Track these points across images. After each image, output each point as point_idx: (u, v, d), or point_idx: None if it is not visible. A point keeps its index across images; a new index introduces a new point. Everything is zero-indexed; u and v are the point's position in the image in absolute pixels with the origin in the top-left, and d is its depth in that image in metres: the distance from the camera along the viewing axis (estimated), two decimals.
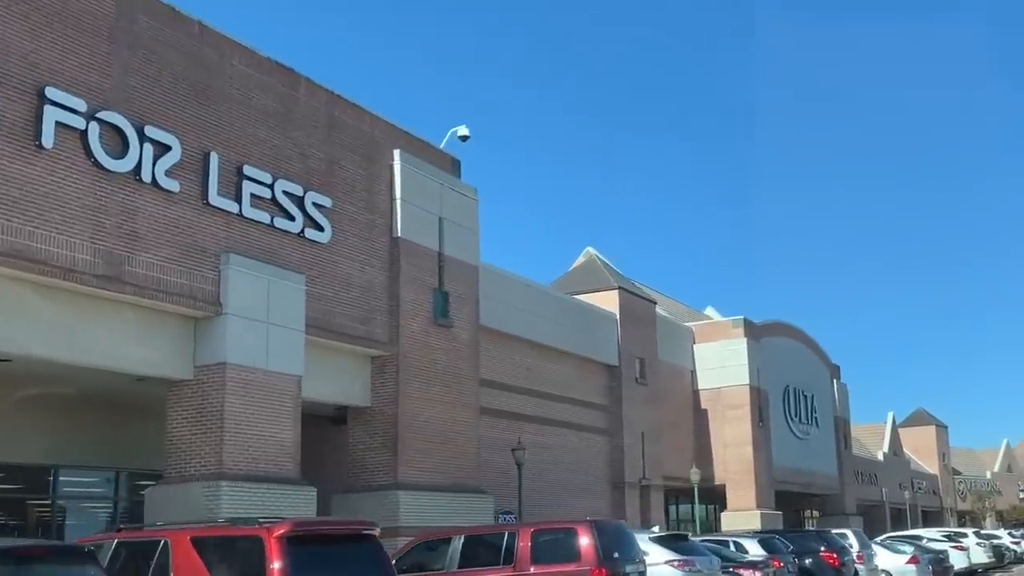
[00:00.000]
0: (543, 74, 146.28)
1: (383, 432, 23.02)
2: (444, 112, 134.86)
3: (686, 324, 47.96)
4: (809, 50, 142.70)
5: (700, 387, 46.55)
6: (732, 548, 21.71)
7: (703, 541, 21.73)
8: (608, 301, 39.68)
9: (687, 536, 19.03)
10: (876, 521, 73.29)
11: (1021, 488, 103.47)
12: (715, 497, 46.91)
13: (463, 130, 25.93)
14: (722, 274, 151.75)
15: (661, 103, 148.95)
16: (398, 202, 23.60)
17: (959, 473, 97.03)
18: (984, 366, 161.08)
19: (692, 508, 46.78)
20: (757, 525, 43.82)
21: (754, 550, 21.50)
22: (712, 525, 46.98)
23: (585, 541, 14.31)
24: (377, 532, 10.40)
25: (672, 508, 48.80)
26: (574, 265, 43.14)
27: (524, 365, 34.02)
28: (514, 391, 33.17)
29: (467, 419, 25.13)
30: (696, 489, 39.69)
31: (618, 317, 39.43)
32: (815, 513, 59.74)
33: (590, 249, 43.72)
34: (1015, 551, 49.69)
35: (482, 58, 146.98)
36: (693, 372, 46.74)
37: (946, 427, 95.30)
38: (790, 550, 23.69)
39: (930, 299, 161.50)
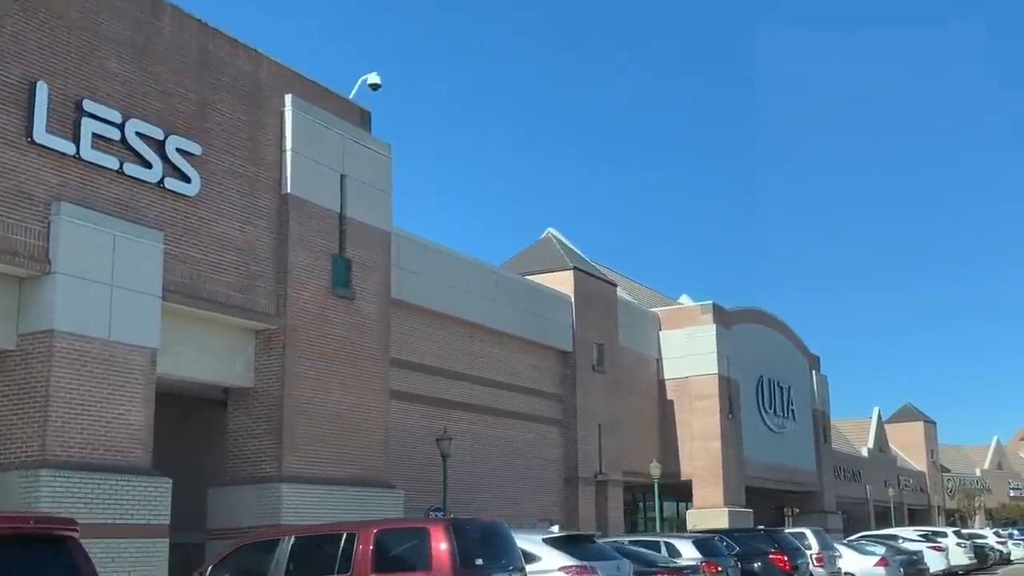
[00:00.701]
0: (530, 59, 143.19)
1: (267, 416, 20.08)
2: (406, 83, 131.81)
3: (652, 310, 45.09)
4: (807, 48, 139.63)
5: (666, 376, 43.67)
6: (664, 551, 18.83)
7: (631, 543, 18.88)
8: (562, 282, 36.82)
9: (592, 537, 16.11)
10: (860, 519, 70.56)
11: (1012, 486, 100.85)
12: (683, 493, 44.03)
13: (374, 77, 22.95)
14: (702, 266, 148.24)
15: (651, 88, 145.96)
16: (288, 154, 20.66)
17: (948, 470, 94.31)
18: (975, 362, 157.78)
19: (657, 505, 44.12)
20: (725, 523, 41.06)
21: (688, 553, 18.62)
22: (681, 524, 44.13)
23: (440, 545, 11.43)
24: (75, 533, 7.51)
25: (640, 505, 46.05)
26: (531, 246, 40.18)
27: (463, 348, 31.18)
28: (451, 377, 30.35)
29: (373, 404, 22.20)
30: (656, 485, 36.81)
31: (572, 299, 36.55)
32: (796, 511, 56.89)
33: (551, 230, 40.78)
34: (1000, 552, 46.87)
35: (446, 31, 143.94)
36: (659, 360, 43.86)
37: (935, 423, 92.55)
38: (734, 552, 20.86)
39: (920, 295, 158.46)
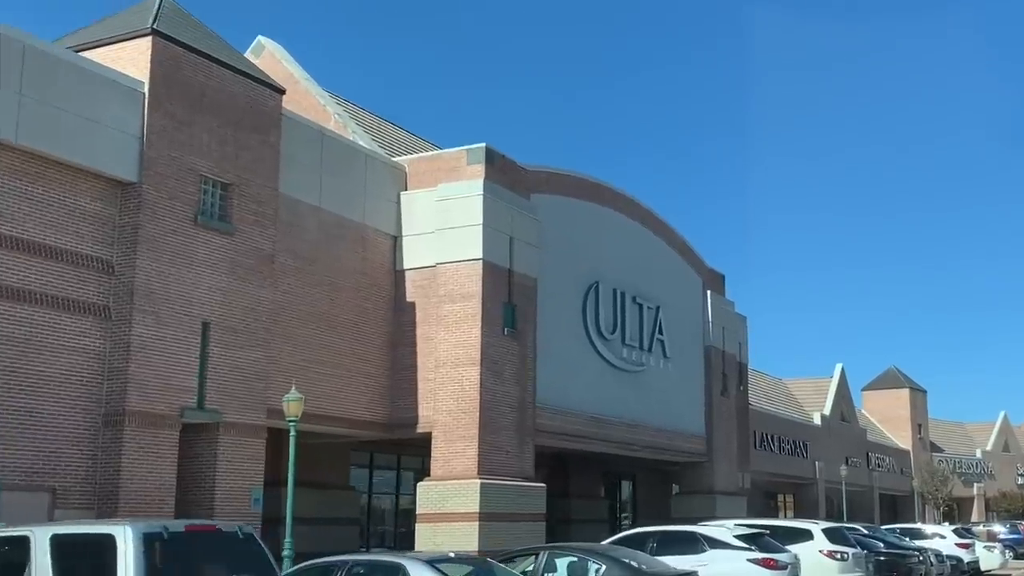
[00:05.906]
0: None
1: None
2: None
3: (396, 159, 28.20)
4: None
5: (407, 264, 26.88)
6: None
7: None
8: (132, 59, 20.29)
9: None
10: (809, 505, 53.88)
11: (1020, 472, 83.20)
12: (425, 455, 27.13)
13: None
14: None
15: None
16: None
17: (940, 450, 76.93)
18: (978, 323, 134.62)
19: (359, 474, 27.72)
20: (475, 505, 24.59)
21: None
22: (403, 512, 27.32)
23: None
24: None
25: (367, 473, 29.53)
26: (121, 12, 23.27)
27: None
28: None
29: None
30: (294, 432, 19.96)
31: (147, 88, 19.96)
32: (676, 490, 39.88)
33: None
34: (958, 560, 29.74)
35: None
36: (398, 240, 27.06)
37: (924, 392, 75.32)
38: None
39: (914, 245, 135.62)
